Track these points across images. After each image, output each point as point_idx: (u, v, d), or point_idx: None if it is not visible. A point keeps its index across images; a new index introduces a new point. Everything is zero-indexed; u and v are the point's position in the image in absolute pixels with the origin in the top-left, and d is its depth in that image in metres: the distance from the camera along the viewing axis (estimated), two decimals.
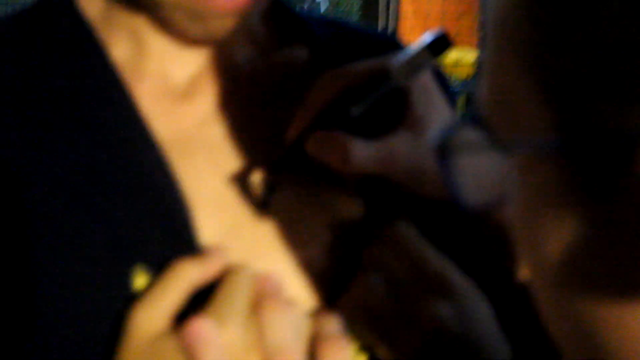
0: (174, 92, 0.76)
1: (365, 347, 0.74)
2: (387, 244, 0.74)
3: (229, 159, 0.75)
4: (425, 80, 0.75)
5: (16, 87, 0.73)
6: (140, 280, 0.70)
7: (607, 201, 0.41)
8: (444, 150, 0.46)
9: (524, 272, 0.47)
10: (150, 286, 0.69)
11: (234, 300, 0.68)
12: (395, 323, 0.73)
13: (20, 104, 0.72)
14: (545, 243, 0.44)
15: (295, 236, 0.75)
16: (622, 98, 0.40)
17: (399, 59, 0.73)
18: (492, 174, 0.45)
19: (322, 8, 5.21)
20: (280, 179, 0.74)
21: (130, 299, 0.69)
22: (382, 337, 0.74)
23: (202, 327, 0.66)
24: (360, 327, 0.74)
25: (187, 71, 0.76)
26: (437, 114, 0.74)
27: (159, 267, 0.70)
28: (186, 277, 0.69)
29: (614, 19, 0.40)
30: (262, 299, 0.69)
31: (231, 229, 0.73)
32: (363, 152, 0.72)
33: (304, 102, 0.74)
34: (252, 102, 0.77)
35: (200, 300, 0.69)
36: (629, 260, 0.41)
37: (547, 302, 0.46)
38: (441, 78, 0.81)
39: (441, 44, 0.72)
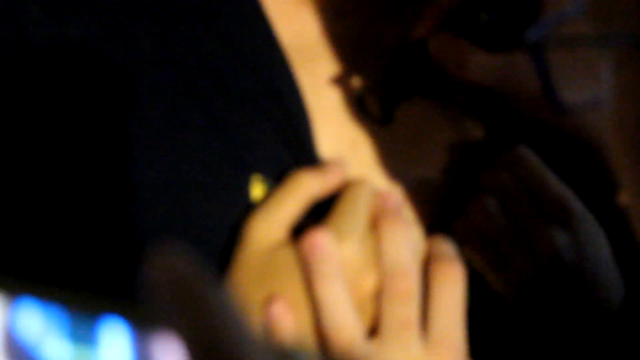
0: None
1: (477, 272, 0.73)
2: (506, 167, 0.72)
3: (351, 70, 0.72)
4: None
5: None
6: (257, 189, 0.68)
7: None
8: (540, 46, 0.44)
9: (624, 196, 0.45)
10: (268, 196, 0.68)
11: (354, 215, 0.66)
12: (510, 248, 0.71)
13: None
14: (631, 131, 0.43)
15: (414, 154, 0.73)
16: None
17: None
18: (590, 72, 0.44)
19: None
20: (402, 94, 0.72)
21: (247, 209, 0.67)
22: (496, 263, 0.72)
23: (321, 239, 0.64)
24: (474, 251, 0.72)
25: None
26: None
27: (277, 177, 0.68)
28: (305, 187, 0.67)
29: None
30: (381, 215, 0.67)
31: (351, 142, 0.71)
32: (482, 62, 0.70)
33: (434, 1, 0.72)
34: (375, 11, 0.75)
35: (319, 213, 0.67)
36: None
37: None
38: None
39: None
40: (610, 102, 0.45)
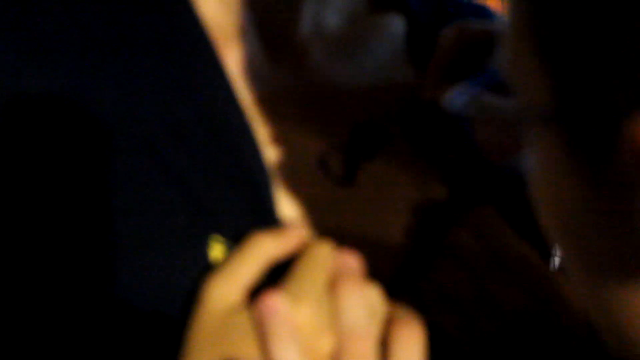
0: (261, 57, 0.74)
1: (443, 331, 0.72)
2: (470, 228, 0.72)
3: (312, 129, 0.73)
4: None
5: (109, 38, 0.71)
6: (216, 250, 0.68)
7: (601, 168, 0.40)
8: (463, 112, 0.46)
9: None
10: (226, 257, 0.68)
11: (311, 277, 0.66)
12: (474, 309, 0.71)
13: (114, 56, 0.71)
14: (550, 206, 0.44)
15: (377, 214, 0.73)
16: (610, 69, 0.39)
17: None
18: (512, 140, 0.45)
19: None
20: (367, 155, 0.72)
21: (206, 269, 0.67)
22: (461, 323, 0.72)
23: (275, 302, 0.64)
24: (439, 311, 0.72)
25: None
26: None
27: (236, 238, 0.68)
28: (263, 250, 0.67)
29: None
30: (339, 277, 0.67)
31: (312, 202, 0.71)
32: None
33: (434, 57, 0.72)
34: (336, 63, 0.75)
35: (277, 275, 0.67)
36: (627, 230, 0.40)
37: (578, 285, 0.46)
38: None
39: None
40: (531, 172, 0.45)
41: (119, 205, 0.68)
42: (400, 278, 0.72)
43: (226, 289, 0.66)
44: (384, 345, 0.67)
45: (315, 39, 0.75)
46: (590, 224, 0.42)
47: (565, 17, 0.40)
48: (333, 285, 0.67)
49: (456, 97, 0.60)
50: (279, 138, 0.72)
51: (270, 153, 0.71)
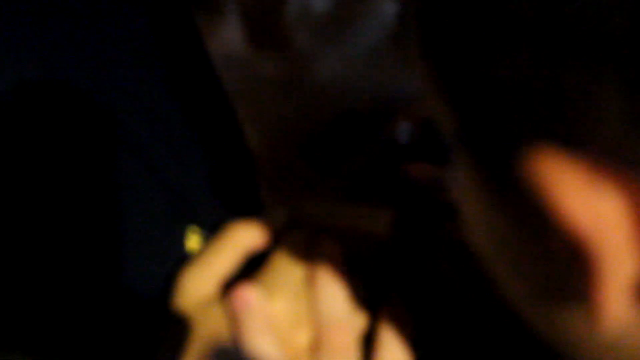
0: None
1: None
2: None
3: (295, 116, 0.71)
4: None
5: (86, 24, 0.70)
6: (193, 241, 0.67)
7: (506, 191, 0.39)
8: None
9: None
10: (201, 248, 0.66)
11: (287, 268, 0.65)
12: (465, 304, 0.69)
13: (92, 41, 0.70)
14: (474, 235, 0.44)
15: (360, 204, 0.71)
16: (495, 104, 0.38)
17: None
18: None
19: None
20: (350, 146, 0.70)
21: (182, 260, 0.66)
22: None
23: (247, 295, 0.63)
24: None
25: None
26: None
27: (213, 229, 0.67)
28: (239, 240, 0.66)
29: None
30: (317, 267, 0.65)
31: (291, 190, 0.70)
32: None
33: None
34: (322, 49, 0.73)
35: (256, 265, 0.66)
36: (538, 257, 0.40)
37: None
38: None
39: None
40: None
41: (96, 195, 0.67)
42: (387, 267, 0.71)
43: (201, 281, 0.65)
44: (371, 336, 0.65)
45: (301, 23, 0.73)
46: (511, 244, 0.41)
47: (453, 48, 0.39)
48: (311, 276, 0.65)
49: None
50: (261, 125, 0.70)
51: (251, 141, 0.70)
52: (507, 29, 0.36)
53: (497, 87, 0.37)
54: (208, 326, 0.64)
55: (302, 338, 0.64)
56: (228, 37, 0.71)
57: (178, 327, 0.65)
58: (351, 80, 0.72)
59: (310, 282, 0.65)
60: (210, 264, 0.65)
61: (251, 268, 0.66)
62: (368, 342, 0.66)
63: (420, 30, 0.41)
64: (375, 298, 0.68)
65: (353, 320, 0.64)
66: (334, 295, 0.64)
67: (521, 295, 0.44)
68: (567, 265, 0.39)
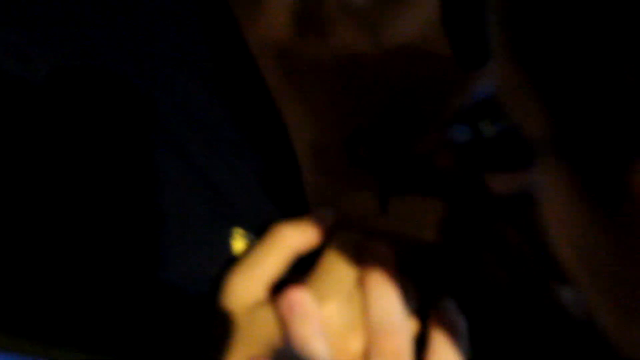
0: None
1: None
2: (512, 222, 0.67)
3: (341, 109, 0.68)
4: None
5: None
6: (239, 243, 0.65)
7: (611, 207, 0.36)
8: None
9: None
10: (248, 250, 0.64)
11: (338, 271, 0.62)
12: (516, 307, 0.67)
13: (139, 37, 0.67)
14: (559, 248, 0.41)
15: (409, 206, 0.68)
16: (613, 111, 0.35)
17: None
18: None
19: None
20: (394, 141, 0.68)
21: (229, 263, 0.64)
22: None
23: (299, 298, 0.60)
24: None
25: None
26: None
27: (259, 232, 0.64)
28: (286, 242, 0.63)
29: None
30: (369, 270, 0.63)
31: (337, 189, 0.67)
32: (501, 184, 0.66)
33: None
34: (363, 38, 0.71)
35: (304, 268, 0.63)
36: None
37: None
38: None
39: None
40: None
41: (136, 192, 0.65)
42: (438, 272, 0.68)
43: (248, 284, 0.62)
44: (423, 341, 0.63)
45: (342, 12, 0.70)
46: (608, 264, 0.39)
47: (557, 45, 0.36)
48: (362, 279, 0.62)
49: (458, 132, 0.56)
50: (305, 117, 0.68)
51: (295, 137, 0.67)
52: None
53: (620, 94, 0.34)
54: (256, 329, 0.62)
55: (355, 343, 0.62)
56: (270, 23, 0.69)
57: (225, 328, 0.62)
58: (395, 73, 0.70)
59: (361, 286, 0.62)
60: (258, 266, 0.63)
61: (299, 271, 0.63)
62: (420, 347, 0.63)
63: (509, 34, 0.38)
64: (427, 301, 0.65)
65: (406, 324, 0.62)
66: (386, 299, 0.62)
67: (609, 316, 0.41)
68: None
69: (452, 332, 0.63)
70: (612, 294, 0.40)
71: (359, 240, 0.64)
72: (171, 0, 0.67)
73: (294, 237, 0.63)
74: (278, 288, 0.63)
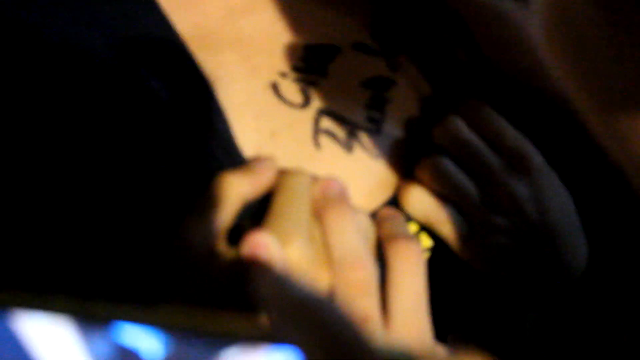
0: None
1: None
2: (461, 118, 0.67)
3: (261, 56, 0.66)
4: None
5: None
6: None
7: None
8: None
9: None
10: (198, 202, 0.61)
11: (294, 211, 0.60)
12: (470, 208, 0.66)
13: None
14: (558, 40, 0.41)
15: None
16: None
17: None
18: None
19: None
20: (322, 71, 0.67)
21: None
22: (457, 226, 0.67)
23: (262, 242, 0.58)
24: (431, 210, 0.67)
25: None
26: None
27: None
28: (234, 190, 0.61)
29: None
30: (324, 205, 0.61)
31: (270, 133, 0.65)
32: None
33: None
34: None
35: (257, 214, 0.61)
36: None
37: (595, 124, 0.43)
38: None
39: None
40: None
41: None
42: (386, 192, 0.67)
43: (202, 234, 0.59)
44: (382, 266, 0.62)
45: None
46: (605, 48, 0.39)
47: None
48: (319, 214, 0.61)
49: None
50: (224, 72, 0.66)
51: (220, 89, 0.65)
52: None
53: None
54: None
55: (323, 280, 0.60)
56: None
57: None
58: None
59: (319, 222, 0.61)
60: (208, 217, 0.60)
61: (252, 218, 0.61)
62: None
63: None
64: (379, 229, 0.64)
65: (368, 255, 0.61)
66: (344, 233, 0.61)
67: (591, 105, 0.41)
68: None
69: (410, 254, 0.62)
70: (595, 78, 0.40)
71: (309, 178, 0.62)
72: None
73: (241, 184, 0.61)
74: (231, 240, 0.60)
